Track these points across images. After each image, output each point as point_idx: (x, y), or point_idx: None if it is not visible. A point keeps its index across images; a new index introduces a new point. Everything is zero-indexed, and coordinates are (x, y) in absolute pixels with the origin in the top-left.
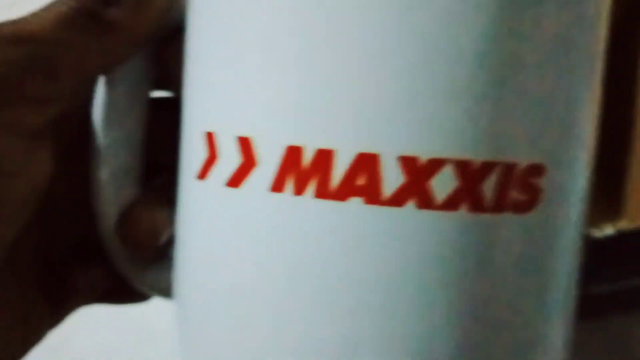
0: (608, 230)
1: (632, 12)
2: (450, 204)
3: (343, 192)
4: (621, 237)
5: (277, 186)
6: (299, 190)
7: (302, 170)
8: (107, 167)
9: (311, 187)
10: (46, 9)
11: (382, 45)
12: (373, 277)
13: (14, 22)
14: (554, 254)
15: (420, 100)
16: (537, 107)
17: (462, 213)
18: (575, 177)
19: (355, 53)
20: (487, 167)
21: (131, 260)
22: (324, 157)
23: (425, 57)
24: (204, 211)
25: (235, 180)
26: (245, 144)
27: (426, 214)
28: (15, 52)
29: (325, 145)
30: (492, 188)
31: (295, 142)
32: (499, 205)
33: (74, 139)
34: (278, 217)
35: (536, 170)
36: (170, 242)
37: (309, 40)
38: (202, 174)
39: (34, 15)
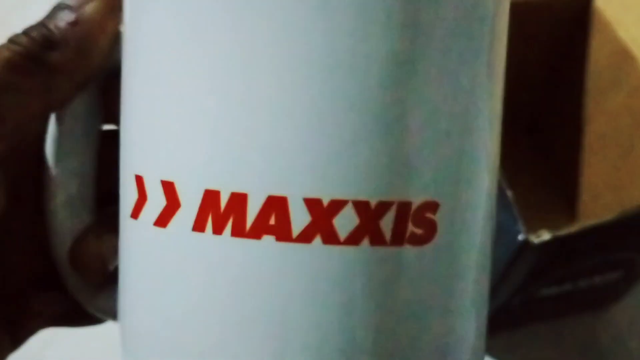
0: (545, 236)
1: (577, 17)
2: (353, 239)
3: (257, 231)
4: (559, 242)
5: (199, 226)
6: (218, 229)
7: (220, 212)
8: (59, 198)
9: (229, 227)
10: None
11: (284, 102)
12: (285, 307)
13: None
14: (454, 281)
15: (320, 148)
16: (427, 151)
17: (364, 247)
18: (468, 210)
19: (261, 108)
20: (383, 206)
21: (83, 285)
22: (239, 200)
23: (320, 111)
24: (136, 247)
25: (162, 221)
26: (169, 187)
27: (331, 248)
28: None
29: (238, 189)
30: (390, 224)
31: (213, 187)
32: (398, 239)
33: (25, 172)
34: (200, 254)
35: (430, 206)
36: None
37: (222, 96)
38: (135, 214)
39: None
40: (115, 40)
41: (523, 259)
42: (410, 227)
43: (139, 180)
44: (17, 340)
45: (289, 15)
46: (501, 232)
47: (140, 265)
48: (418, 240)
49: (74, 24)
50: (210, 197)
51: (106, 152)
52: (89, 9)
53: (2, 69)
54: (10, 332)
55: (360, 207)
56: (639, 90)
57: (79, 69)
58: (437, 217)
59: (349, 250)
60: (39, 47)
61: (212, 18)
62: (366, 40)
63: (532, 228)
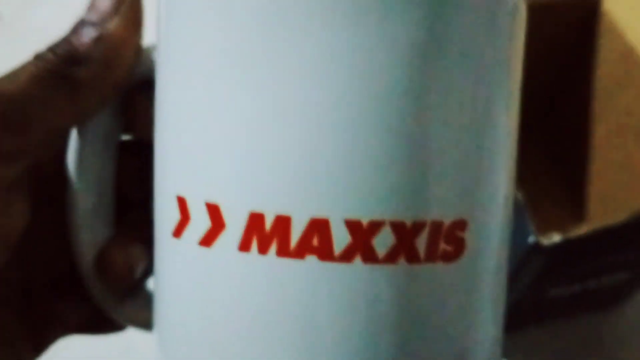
0: (555, 238)
1: (584, 29)
2: (390, 257)
3: (301, 251)
4: (569, 244)
5: (244, 246)
6: (263, 249)
7: (265, 233)
8: (81, 209)
9: (273, 247)
10: (18, 70)
11: (324, 129)
12: (327, 323)
13: None
14: (480, 292)
15: (359, 171)
16: (455, 172)
17: (401, 265)
18: (492, 225)
19: (303, 135)
20: (418, 226)
21: (108, 294)
22: (283, 222)
23: (357, 137)
24: (179, 266)
25: (207, 241)
26: (213, 209)
27: (371, 267)
28: None
29: (282, 212)
30: (424, 242)
31: (257, 210)
32: (431, 256)
33: (49, 184)
34: (246, 273)
35: (459, 225)
36: (144, 275)
37: (266, 122)
38: (177, 233)
39: (7, 75)
40: (138, 54)
41: (533, 261)
42: (442, 245)
43: (181, 201)
44: (39, 347)
45: (328, 45)
46: (512, 234)
47: (184, 283)
48: (449, 257)
49: (97, 40)
50: (255, 219)
51: (123, 161)
52: (112, 24)
53: (28, 84)
54: (33, 339)
55: (397, 227)
56: None
57: (103, 84)
58: (466, 235)
59: (387, 268)
60: (63, 63)
61: (255, 44)
62: (394, 70)
63: (542, 230)
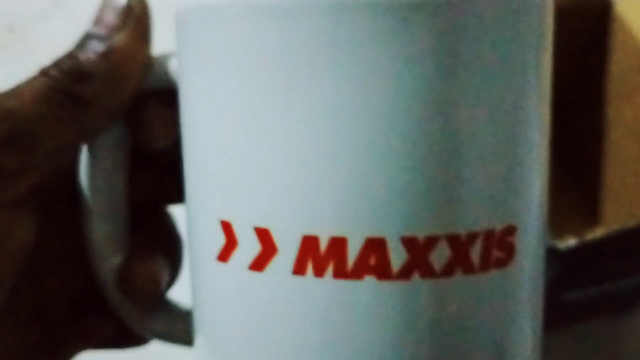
0: (571, 241)
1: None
2: (447, 271)
3: (358, 272)
4: (585, 247)
5: (299, 269)
6: (319, 272)
7: (320, 255)
8: (96, 223)
9: (330, 269)
10: (23, 85)
11: (375, 149)
12: (390, 341)
13: None
14: (529, 296)
15: (412, 189)
16: (504, 180)
17: (458, 277)
18: (536, 228)
19: (354, 154)
20: (472, 237)
21: (132, 308)
22: (338, 244)
23: (406, 157)
24: (228, 290)
25: (258, 265)
26: (263, 233)
27: (429, 282)
28: None
29: (337, 233)
30: (478, 252)
31: (311, 232)
32: (485, 265)
33: (57, 198)
34: (302, 297)
35: (509, 230)
36: (167, 287)
37: (315, 145)
38: (223, 257)
39: (11, 91)
40: (146, 68)
41: (549, 265)
42: (495, 252)
43: (227, 226)
44: None
45: (365, 78)
46: None
47: (233, 307)
48: (501, 264)
49: (104, 55)
50: (308, 242)
51: (135, 172)
52: (119, 38)
53: (32, 101)
54: (51, 355)
55: (453, 240)
56: None
57: (109, 101)
58: (515, 240)
59: (445, 281)
60: (69, 79)
61: (298, 76)
62: (427, 93)
63: (557, 234)
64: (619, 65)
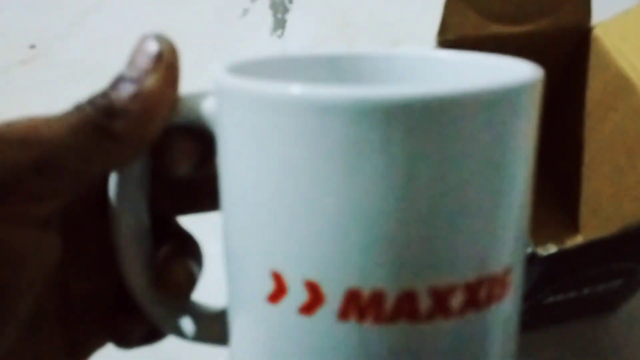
0: (552, 249)
1: (578, 46)
2: (462, 312)
3: (394, 317)
4: (565, 254)
5: (343, 315)
6: (362, 318)
7: (361, 304)
8: (125, 235)
9: (370, 316)
10: (58, 117)
11: (403, 213)
12: None
13: (27, 123)
14: (516, 318)
15: (438, 250)
16: (505, 233)
17: (469, 316)
18: (523, 262)
19: (388, 218)
20: (480, 281)
21: (163, 309)
22: (378, 294)
23: (431, 221)
24: (276, 330)
25: (307, 310)
26: (312, 285)
27: (448, 322)
28: (22, 154)
29: (378, 286)
30: (485, 292)
31: (355, 285)
32: (489, 302)
33: (86, 216)
34: (346, 340)
35: (508, 271)
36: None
37: (357, 215)
38: (273, 300)
39: (47, 121)
40: (173, 109)
41: (530, 271)
42: (497, 290)
43: (278, 276)
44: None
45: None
46: None
47: (280, 348)
48: (499, 297)
49: (135, 96)
50: (353, 293)
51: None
52: (150, 81)
53: (65, 133)
54: (72, 356)
55: (467, 286)
56: (634, 114)
57: (137, 137)
58: (510, 279)
59: (459, 320)
60: (101, 116)
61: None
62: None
63: (538, 241)
64: (597, 83)
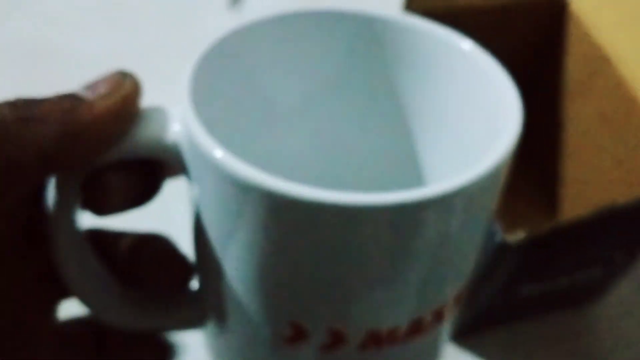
0: (520, 235)
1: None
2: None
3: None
4: (535, 240)
5: (364, 347)
6: (378, 345)
7: (376, 336)
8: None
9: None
10: None
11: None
12: None
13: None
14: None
15: (401, 302)
16: (452, 283)
17: (422, 338)
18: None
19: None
20: (438, 313)
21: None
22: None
23: (395, 286)
24: None
25: (328, 349)
26: (333, 331)
27: (414, 341)
28: None
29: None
30: (434, 320)
31: (374, 327)
32: (437, 324)
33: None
34: None
35: (442, 306)
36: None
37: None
38: (290, 342)
39: None
40: (105, 146)
41: (503, 260)
42: (445, 316)
43: (298, 324)
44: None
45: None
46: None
47: None
48: (441, 321)
49: (68, 110)
50: (372, 332)
51: None
52: (100, 103)
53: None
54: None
55: (416, 321)
56: (611, 92)
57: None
58: (446, 309)
59: (410, 342)
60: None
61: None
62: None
63: (516, 226)
64: (574, 62)
